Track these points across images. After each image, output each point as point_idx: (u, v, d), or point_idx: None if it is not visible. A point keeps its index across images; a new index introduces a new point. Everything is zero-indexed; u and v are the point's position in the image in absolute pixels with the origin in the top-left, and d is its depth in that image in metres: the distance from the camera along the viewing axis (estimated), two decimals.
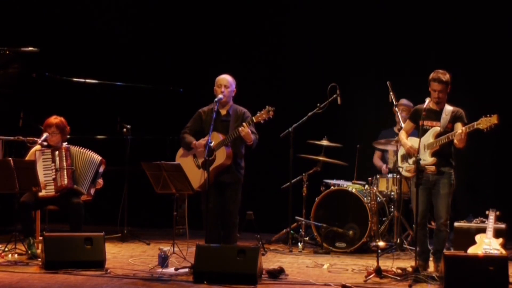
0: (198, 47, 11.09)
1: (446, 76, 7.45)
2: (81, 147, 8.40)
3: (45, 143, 8.33)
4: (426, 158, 7.46)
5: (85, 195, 8.32)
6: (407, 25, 10.34)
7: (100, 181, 8.43)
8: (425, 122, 7.47)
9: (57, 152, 8.28)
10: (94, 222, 9.38)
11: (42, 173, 8.15)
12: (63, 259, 7.39)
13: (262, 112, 7.66)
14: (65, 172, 8.24)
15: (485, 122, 7.16)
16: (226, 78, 7.90)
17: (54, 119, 8.37)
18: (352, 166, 9.71)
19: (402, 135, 7.77)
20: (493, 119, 7.14)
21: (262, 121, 7.69)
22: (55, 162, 8.26)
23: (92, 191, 8.38)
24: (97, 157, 8.39)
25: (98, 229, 8.00)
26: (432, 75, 7.48)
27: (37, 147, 8.37)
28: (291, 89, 10.61)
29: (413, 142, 7.60)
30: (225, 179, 7.82)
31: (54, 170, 8.24)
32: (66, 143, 8.45)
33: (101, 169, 8.40)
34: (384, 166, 9.62)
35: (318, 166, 9.53)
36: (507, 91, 10.03)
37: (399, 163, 7.81)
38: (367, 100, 10.25)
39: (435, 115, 7.53)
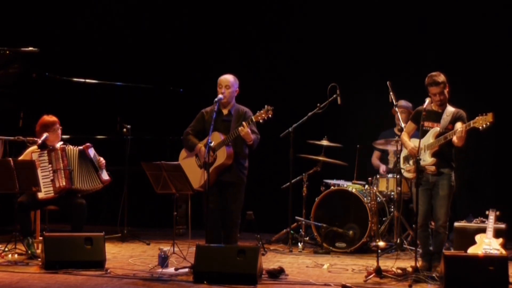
0: (198, 47, 11.10)
1: (441, 77, 7.46)
2: (75, 146, 8.39)
3: (41, 143, 8.30)
4: (426, 159, 7.47)
5: (101, 185, 8.35)
6: (407, 25, 10.34)
7: (101, 159, 8.40)
8: (426, 123, 7.48)
9: (53, 153, 8.27)
10: (91, 222, 9.36)
11: (40, 175, 8.14)
12: (63, 259, 7.38)
13: (262, 111, 7.65)
14: (62, 173, 8.23)
15: (481, 121, 7.17)
16: (227, 79, 7.89)
17: (51, 117, 8.37)
18: (352, 166, 9.71)
19: (405, 136, 7.77)
20: (489, 117, 7.15)
21: (261, 121, 7.68)
22: (52, 164, 8.26)
23: (105, 174, 8.38)
24: (79, 148, 8.32)
25: (98, 229, 8.00)
26: (427, 80, 7.49)
27: (33, 148, 8.36)
28: (291, 89, 10.61)
29: (415, 143, 7.59)
30: (227, 178, 7.81)
31: (51, 172, 8.24)
32: (62, 142, 8.45)
33: (92, 152, 8.36)
34: (383, 167, 9.61)
35: (318, 166, 9.53)
36: (507, 91, 10.03)
37: (401, 165, 7.81)
38: (367, 100, 10.26)
39: (436, 116, 7.54)
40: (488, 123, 7.17)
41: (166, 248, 7.70)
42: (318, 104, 9.12)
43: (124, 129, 9.72)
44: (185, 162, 7.85)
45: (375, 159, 9.91)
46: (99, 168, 8.38)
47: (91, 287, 6.79)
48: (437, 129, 7.50)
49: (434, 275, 7.21)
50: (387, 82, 8.99)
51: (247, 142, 7.77)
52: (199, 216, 8.33)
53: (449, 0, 10.27)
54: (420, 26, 10.32)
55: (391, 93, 8.98)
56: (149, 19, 11.29)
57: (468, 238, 8.18)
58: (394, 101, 9.01)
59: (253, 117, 7.70)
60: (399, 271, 7.40)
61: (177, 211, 8.67)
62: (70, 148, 8.36)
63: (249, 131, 7.66)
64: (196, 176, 7.76)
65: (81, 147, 8.36)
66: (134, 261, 8.11)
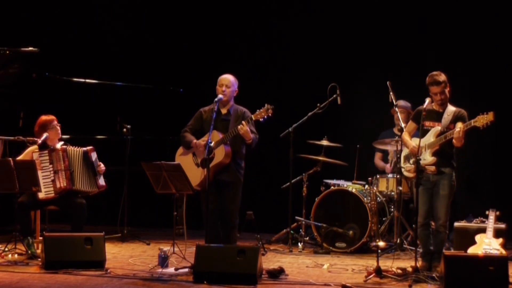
0: (198, 47, 11.10)
1: (441, 77, 7.46)
2: (76, 146, 8.39)
3: (41, 143, 8.29)
4: (426, 158, 7.47)
5: (97, 190, 8.35)
6: (407, 25, 10.34)
7: (101, 165, 8.40)
8: (426, 123, 7.48)
9: (54, 154, 8.26)
10: (91, 222, 9.36)
11: (41, 175, 8.14)
12: (63, 259, 7.38)
13: (261, 110, 7.65)
14: (63, 174, 8.23)
15: (482, 120, 7.18)
16: (228, 78, 7.90)
17: (49, 116, 8.38)
18: (352, 166, 9.71)
19: (406, 136, 7.77)
20: (489, 117, 7.16)
21: (261, 119, 7.68)
22: (52, 164, 8.25)
23: (102, 180, 8.37)
24: (84, 149, 8.34)
25: (98, 229, 8.00)
26: (428, 79, 7.49)
27: (34, 147, 8.36)
28: (291, 89, 10.61)
29: (416, 142, 7.59)
30: (224, 178, 7.81)
31: (52, 172, 8.23)
32: (62, 142, 8.45)
33: (94, 156, 8.37)
34: (387, 166, 9.60)
35: (318, 166, 9.53)
36: (507, 91, 10.03)
37: (402, 164, 7.81)
38: (367, 100, 10.25)
39: (437, 115, 7.54)
40: (489, 122, 7.18)
41: (166, 248, 7.70)
42: (318, 104, 9.12)
43: (124, 129, 9.72)
44: (182, 160, 7.84)
45: (378, 160, 9.89)
46: (97, 173, 8.38)
47: (91, 287, 6.79)
48: (438, 128, 7.50)
49: (434, 275, 7.21)
50: (387, 82, 8.98)
51: (246, 141, 7.77)
52: (196, 216, 8.32)
53: (449, 0, 10.27)
54: (420, 26, 10.32)
55: (391, 93, 8.98)
56: (149, 19, 11.29)
57: (468, 238, 8.18)
58: (394, 101, 9.01)
59: (252, 116, 7.70)
60: (399, 271, 7.40)
61: (177, 211, 8.66)
62: (72, 148, 8.36)
63: (248, 129, 7.66)
64: (193, 174, 7.75)
65: (85, 149, 8.36)
66: (134, 261, 8.11)
